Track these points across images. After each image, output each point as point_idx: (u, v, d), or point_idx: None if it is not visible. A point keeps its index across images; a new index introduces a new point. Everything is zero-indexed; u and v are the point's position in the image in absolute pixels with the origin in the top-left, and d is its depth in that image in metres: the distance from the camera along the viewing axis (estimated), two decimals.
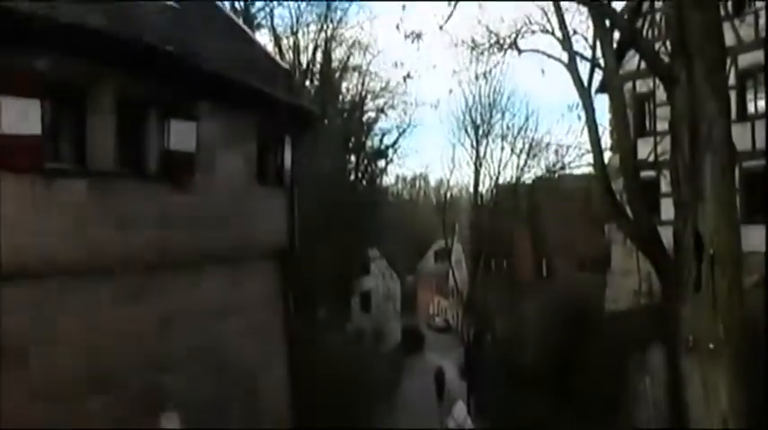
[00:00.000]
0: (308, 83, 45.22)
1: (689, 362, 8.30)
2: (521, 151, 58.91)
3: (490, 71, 29.09)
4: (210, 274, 15.99)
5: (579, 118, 35.82)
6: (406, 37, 18.76)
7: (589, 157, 34.80)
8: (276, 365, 18.97)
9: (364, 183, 55.25)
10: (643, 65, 27.35)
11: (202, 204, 15.53)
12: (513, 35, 24.28)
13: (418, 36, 18.63)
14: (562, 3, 18.04)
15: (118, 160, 13.29)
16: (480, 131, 60.49)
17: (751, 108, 26.91)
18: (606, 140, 30.07)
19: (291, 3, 50.95)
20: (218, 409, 15.95)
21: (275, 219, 18.90)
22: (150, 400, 13.84)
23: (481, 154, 60.56)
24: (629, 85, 30.11)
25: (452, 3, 16.67)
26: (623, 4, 26.41)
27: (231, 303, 16.82)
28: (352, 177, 53.82)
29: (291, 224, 19.50)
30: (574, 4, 18.94)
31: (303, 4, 50.22)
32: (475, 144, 60.59)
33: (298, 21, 45.16)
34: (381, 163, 56.44)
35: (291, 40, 44.79)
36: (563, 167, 50.70)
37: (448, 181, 71.05)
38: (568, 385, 30.04)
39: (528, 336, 37.13)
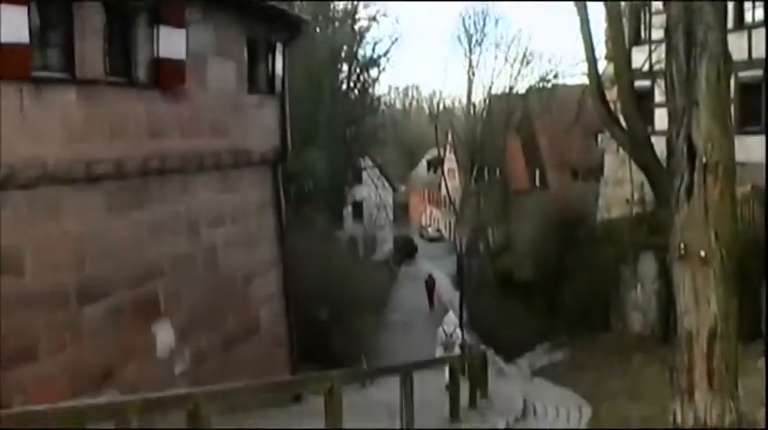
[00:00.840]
0: None
1: (680, 270, 8.32)
2: (514, 60, 58.65)
3: None
4: (203, 182, 15.98)
5: (574, 27, 35.59)
6: None
7: (583, 67, 34.60)
8: (269, 272, 19.10)
9: (356, 92, 54.96)
10: None
11: (193, 112, 15.44)
12: None
13: None
14: None
15: (107, 68, 13.15)
16: (473, 40, 60.15)
17: (748, 17, 26.71)
18: (601, 49, 29.87)
19: None
20: (212, 317, 16.09)
21: (267, 127, 18.83)
22: (144, 307, 13.94)
23: (474, 63, 60.29)
24: None
25: None
26: None
27: (224, 210, 16.87)
28: (344, 87, 53.53)
29: (283, 132, 19.43)
30: None
31: None
32: (468, 53, 60.31)
33: None
34: (374, 72, 56.06)
35: None
36: (557, 76, 50.46)
37: (440, 91, 70.87)
38: (560, 293, 30.35)
39: (520, 245, 37.35)
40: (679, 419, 8.78)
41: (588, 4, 18.35)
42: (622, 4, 26.39)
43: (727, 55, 8.51)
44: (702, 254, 8.13)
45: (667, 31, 9.06)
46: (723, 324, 8.30)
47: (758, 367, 15.42)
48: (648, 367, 20.75)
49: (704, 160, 8.07)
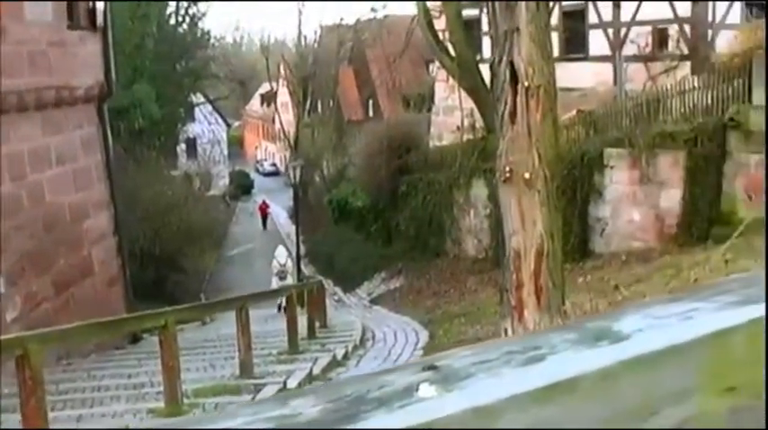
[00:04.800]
0: None
1: (506, 192, 8.56)
2: None
3: None
4: (25, 122, 15.43)
5: None
6: None
7: None
8: (100, 212, 18.67)
9: (185, 26, 53.81)
10: None
11: (11, 49, 14.83)
12: None
13: None
14: None
15: None
16: None
17: None
18: None
19: None
20: (43, 260, 15.67)
21: (89, 63, 18.26)
22: None
23: None
24: None
25: None
26: None
27: (49, 151, 16.36)
28: (173, 21, 52.36)
29: (107, 67, 18.90)
30: None
31: None
32: None
33: None
34: (202, 6, 54.89)
35: None
36: (385, 6, 50.58)
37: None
38: (396, 220, 30.76)
39: (355, 174, 37.59)
40: (510, 337, 9.09)
41: None
42: None
43: None
44: (527, 176, 8.36)
45: None
46: (549, 243, 8.60)
47: (585, 283, 16.06)
48: (483, 289, 21.35)
49: (526, 84, 8.27)
